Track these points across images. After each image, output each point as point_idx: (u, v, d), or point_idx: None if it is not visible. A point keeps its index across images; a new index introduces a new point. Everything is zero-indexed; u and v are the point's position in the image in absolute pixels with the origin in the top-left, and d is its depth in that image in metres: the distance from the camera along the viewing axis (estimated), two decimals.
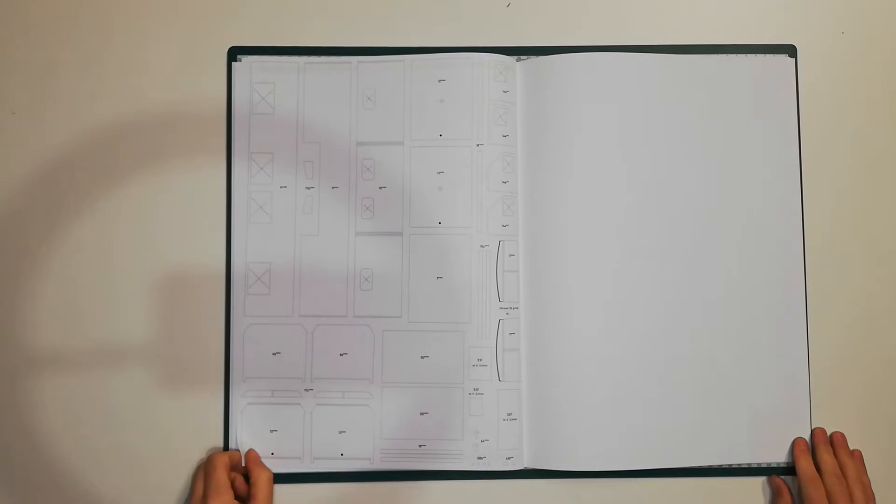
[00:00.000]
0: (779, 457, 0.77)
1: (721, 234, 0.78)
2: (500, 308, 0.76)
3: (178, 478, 0.77)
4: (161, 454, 0.77)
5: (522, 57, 0.79)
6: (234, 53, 0.80)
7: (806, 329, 0.78)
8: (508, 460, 0.75)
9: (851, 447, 0.76)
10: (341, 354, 0.77)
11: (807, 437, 0.77)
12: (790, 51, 0.80)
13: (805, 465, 0.74)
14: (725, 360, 0.77)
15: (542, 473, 0.76)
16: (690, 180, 0.78)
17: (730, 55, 0.80)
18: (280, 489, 0.77)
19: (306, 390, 0.77)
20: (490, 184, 0.76)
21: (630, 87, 0.79)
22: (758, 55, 0.80)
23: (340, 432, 0.76)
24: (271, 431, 0.77)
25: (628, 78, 0.79)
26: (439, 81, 0.78)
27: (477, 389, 0.74)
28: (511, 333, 0.76)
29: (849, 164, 0.80)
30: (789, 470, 0.77)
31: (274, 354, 0.77)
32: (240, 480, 0.74)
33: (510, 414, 0.75)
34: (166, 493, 0.77)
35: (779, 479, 0.76)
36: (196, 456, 0.77)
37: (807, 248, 0.78)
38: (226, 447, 0.77)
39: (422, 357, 0.75)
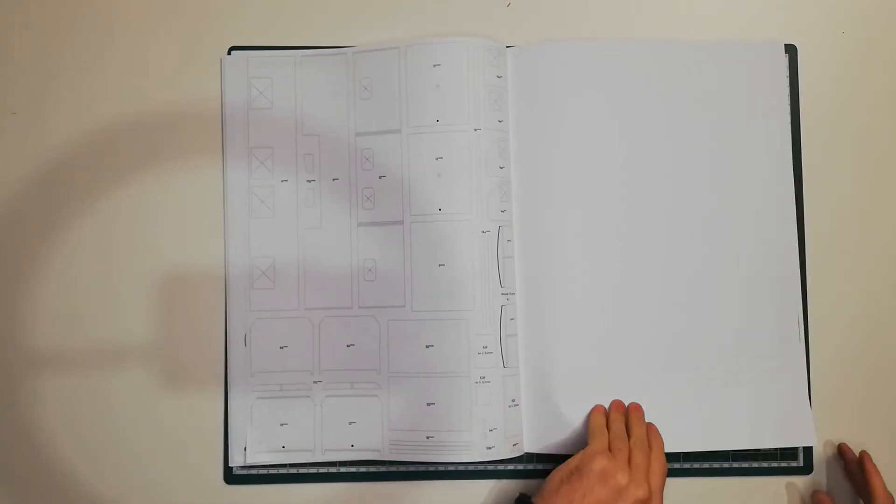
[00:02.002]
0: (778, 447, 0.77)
1: (717, 219, 0.78)
2: (502, 294, 0.76)
3: (179, 477, 0.77)
4: (161, 454, 0.77)
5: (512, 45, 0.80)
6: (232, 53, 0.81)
7: (805, 329, 0.78)
8: (514, 447, 0.75)
9: (854, 447, 0.77)
10: (348, 346, 0.77)
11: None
12: (790, 51, 0.81)
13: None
14: (723, 350, 0.77)
15: (543, 459, 0.77)
16: (684, 167, 0.79)
17: (722, 42, 0.80)
18: (290, 488, 0.77)
19: (315, 382, 0.77)
20: (488, 169, 0.76)
21: (618, 74, 0.79)
22: (750, 43, 0.81)
23: (350, 423, 0.76)
24: (281, 425, 0.77)
25: (617, 65, 0.79)
26: (434, 66, 0.77)
27: (483, 378, 0.74)
28: (511, 319, 0.76)
29: (849, 164, 0.81)
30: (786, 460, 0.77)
31: (281, 348, 0.77)
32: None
33: (514, 400, 0.75)
34: (166, 493, 0.77)
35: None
36: (196, 456, 0.77)
37: (806, 246, 0.79)
38: (226, 446, 0.77)
39: (427, 346, 0.75)
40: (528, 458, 0.77)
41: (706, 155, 0.79)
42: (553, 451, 0.76)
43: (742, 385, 0.77)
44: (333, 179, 0.79)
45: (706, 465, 0.77)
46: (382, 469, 0.77)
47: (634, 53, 0.80)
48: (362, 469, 0.77)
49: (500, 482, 0.77)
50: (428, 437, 0.74)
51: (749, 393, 0.76)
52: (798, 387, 0.77)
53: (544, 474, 0.70)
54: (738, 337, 0.77)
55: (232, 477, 0.77)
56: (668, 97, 0.79)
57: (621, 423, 0.73)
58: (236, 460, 0.77)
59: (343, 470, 0.77)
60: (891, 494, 0.73)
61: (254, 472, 0.77)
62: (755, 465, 0.77)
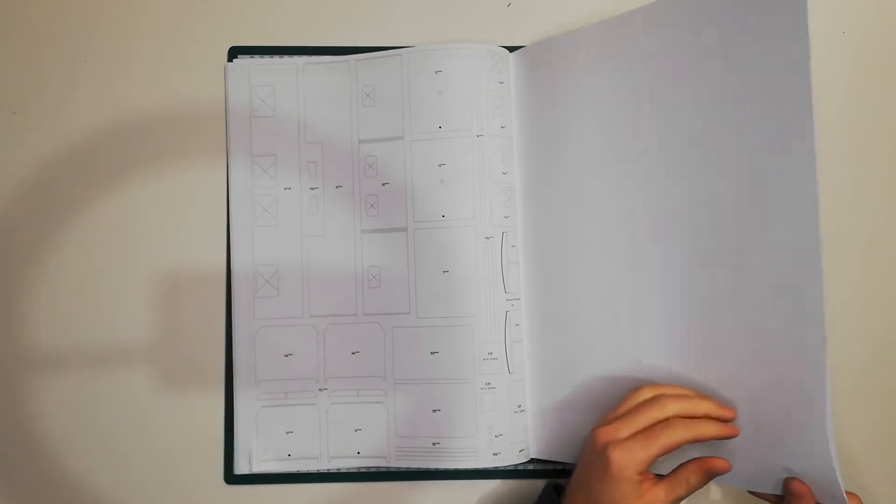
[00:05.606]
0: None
1: (739, 218, 0.68)
2: (507, 300, 0.76)
3: (179, 477, 0.77)
4: (161, 454, 0.78)
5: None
6: (234, 53, 0.80)
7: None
8: (521, 452, 0.76)
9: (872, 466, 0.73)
10: (353, 353, 0.77)
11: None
12: None
13: None
14: (741, 363, 0.69)
15: (547, 468, 0.77)
16: (702, 158, 0.70)
17: None
18: (293, 488, 0.77)
19: (320, 390, 0.77)
20: (491, 175, 0.76)
21: (621, 58, 0.73)
22: None
23: (356, 430, 0.77)
24: (287, 433, 0.77)
25: (617, 47, 0.74)
26: (436, 73, 0.77)
27: (489, 384, 0.74)
28: (516, 325, 0.76)
29: (851, 164, 0.79)
30: None
31: (286, 356, 0.77)
32: None
33: (520, 406, 0.76)
34: (166, 493, 0.77)
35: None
36: (197, 456, 0.77)
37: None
38: (227, 446, 0.77)
39: (432, 353, 0.75)
40: (535, 463, 0.77)
41: (729, 141, 0.68)
42: (559, 458, 0.75)
43: (752, 395, 0.68)
44: (337, 187, 0.78)
45: None
46: (385, 468, 0.77)
47: (631, 24, 0.73)
48: (364, 469, 0.77)
49: (507, 482, 0.78)
50: (434, 444, 0.75)
51: (759, 403, 0.68)
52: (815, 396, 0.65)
53: (552, 476, 0.71)
54: (757, 348, 0.68)
55: (233, 477, 0.77)
56: (681, 68, 0.70)
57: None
58: (241, 468, 0.77)
59: (346, 470, 0.78)
60: None
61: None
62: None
